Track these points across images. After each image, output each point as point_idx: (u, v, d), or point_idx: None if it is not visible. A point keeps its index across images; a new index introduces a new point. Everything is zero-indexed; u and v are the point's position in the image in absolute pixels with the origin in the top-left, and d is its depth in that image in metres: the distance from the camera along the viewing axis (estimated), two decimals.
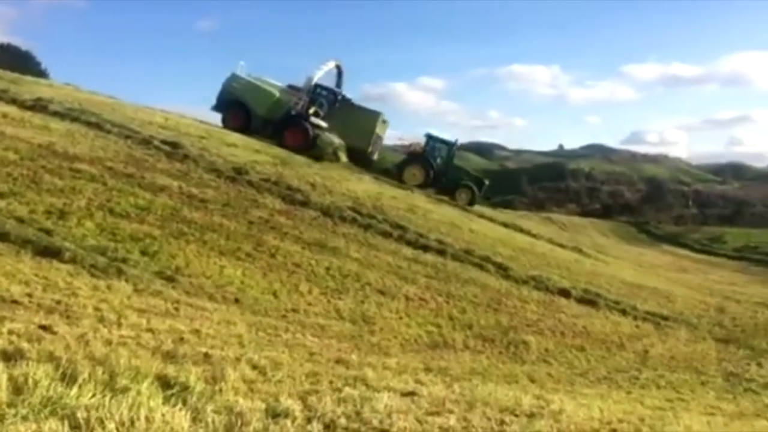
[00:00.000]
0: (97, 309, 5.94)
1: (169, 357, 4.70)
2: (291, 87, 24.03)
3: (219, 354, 5.09)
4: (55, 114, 15.61)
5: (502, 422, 4.53)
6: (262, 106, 22.82)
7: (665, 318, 13.99)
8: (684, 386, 9.47)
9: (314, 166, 19.16)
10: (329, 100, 24.62)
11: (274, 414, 3.64)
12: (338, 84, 25.74)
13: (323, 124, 23.30)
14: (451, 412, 4.55)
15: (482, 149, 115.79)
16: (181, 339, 5.49)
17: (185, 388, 3.68)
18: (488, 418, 4.59)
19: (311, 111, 23.09)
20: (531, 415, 4.92)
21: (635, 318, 13.47)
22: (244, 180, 14.30)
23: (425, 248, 13.75)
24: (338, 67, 25.63)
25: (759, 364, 11.39)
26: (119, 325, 5.53)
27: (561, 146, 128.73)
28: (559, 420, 4.92)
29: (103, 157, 12.91)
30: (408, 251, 13.27)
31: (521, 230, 23.77)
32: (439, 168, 26.88)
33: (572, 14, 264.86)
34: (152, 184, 12.09)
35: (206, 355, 4.93)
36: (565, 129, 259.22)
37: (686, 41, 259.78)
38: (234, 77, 23.53)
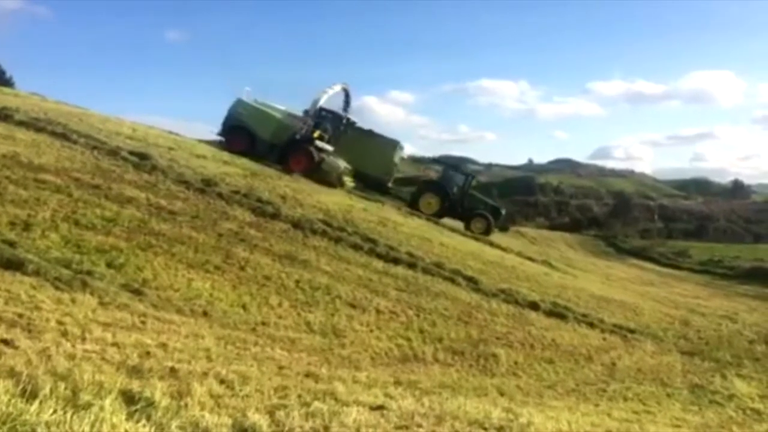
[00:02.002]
0: (60, 323, 5.82)
1: (135, 372, 4.62)
2: (305, 113, 23.91)
3: (186, 368, 5.02)
4: (21, 124, 15.32)
5: None
6: (266, 131, 22.73)
7: (632, 331, 14.16)
8: (650, 398, 9.58)
9: (284, 178, 19.08)
10: (334, 123, 24.57)
11: (241, 429, 3.60)
12: (346, 107, 25.67)
13: (328, 147, 23.30)
14: (420, 426, 4.55)
15: (454, 163, 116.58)
16: (148, 353, 5.40)
17: (150, 403, 3.61)
18: None
19: (316, 135, 23.00)
20: (500, 428, 4.94)
21: (603, 331, 13.61)
22: (214, 192, 14.18)
23: (396, 261, 13.76)
24: (345, 90, 25.57)
25: (723, 376, 11.58)
26: (83, 339, 5.42)
27: (530, 160, 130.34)
28: None
29: (69, 167, 12.70)
30: (379, 264, 13.26)
31: (491, 244, 23.91)
32: (455, 197, 26.83)
33: (539, 31, 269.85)
34: (119, 195, 11.92)
35: (173, 370, 4.85)
36: (534, 144, 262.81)
37: (649, 59, 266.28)
38: (239, 103, 23.44)
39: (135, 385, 3.96)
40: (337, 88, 25.23)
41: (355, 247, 13.74)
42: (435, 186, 27.21)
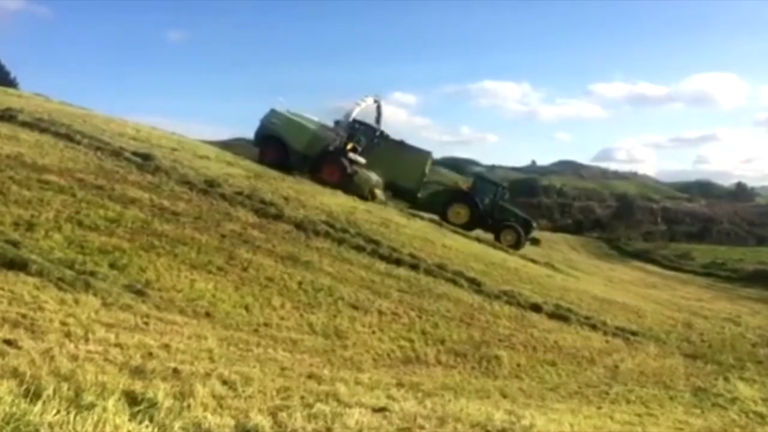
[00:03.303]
0: (63, 323, 5.83)
1: (137, 372, 4.63)
2: (337, 123, 23.94)
3: (188, 369, 5.03)
4: (25, 124, 15.38)
5: None
6: (300, 142, 22.58)
7: (635, 333, 14.14)
8: (653, 401, 9.56)
9: (287, 179, 19.10)
10: (367, 135, 24.59)
11: (244, 430, 3.61)
12: (377, 119, 25.73)
13: (361, 160, 23.29)
14: (422, 428, 4.55)
15: (457, 165, 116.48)
16: (150, 354, 5.40)
17: (153, 404, 3.62)
18: None
19: (349, 147, 23.00)
20: (502, 431, 4.94)
21: (605, 333, 13.59)
22: (217, 193, 14.20)
23: (398, 263, 13.75)
24: (377, 103, 25.67)
25: (726, 379, 11.55)
26: (86, 339, 5.43)
27: (533, 162, 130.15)
28: None
29: (72, 168, 12.73)
30: (381, 265, 13.26)
31: (494, 245, 23.91)
32: (486, 208, 26.70)
33: (540, 32, 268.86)
34: (123, 196, 11.94)
35: (175, 371, 4.86)
36: (537, 145, 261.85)
37: (651, 61, 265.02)
38: (273, 113, 23.37)
39: (138, 386, 3.97)
40: (370, 100, 25.37)
41: (358, 249, 13.75)
42: (465, 196, 27.00)
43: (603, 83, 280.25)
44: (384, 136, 25.57)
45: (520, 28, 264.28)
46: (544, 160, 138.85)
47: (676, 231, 76.73)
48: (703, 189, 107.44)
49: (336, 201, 17.94)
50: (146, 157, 15.01)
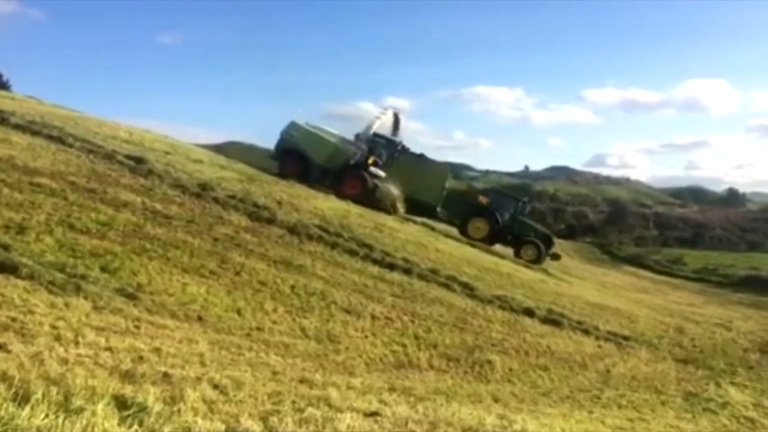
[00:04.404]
0: (53, 327, 5.80)
1: (128, 376, 4.61)
2: (357, 136, 23.91)
3: (179, 373, 5.00)
4: (17, 127, 15.30)
5: None
6: (320, 155, 22.53)
7: (627, 338, 14.17)
8: (645, 406, 9.57)
9: (280, 183, 19.08)
10: (388, 149, 24.58)
11: None
12: (395, 131, 25.72)
13: (381, 173, 23.22)
14: None
15: (451, 170, 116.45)
16: (141, 358, 5.38)
17: (143, 408, 3.60)
18: None
19: (370, 161, 22.96)
20: None
21: (598, 338, 13.62)
22: (210, 196, 14.16)
23: (392, 267, 13.74)
24: (396, 116, 25.70)
25: (717, 384, 11.59)
26: (76, 343, 5.41)
27: (527, 167, 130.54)
28: None
29: (64, 171, 12.68)
30: (374, 270, 13.25)
31: (487, 250, 23.93)
32: (506, 223, 26.55)
33: (532, 38, 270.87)
34: (115, 199, 11.90)
35: (166, 375, 4.84)
36: (530, 151, 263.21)
37: (643, 68, 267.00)
38: (293, 125, 23.31)
39: (128, 390, 3.95)
40: (389, 113, 25.44)
41: (351, 253, 13.73)
42: (485, 211, 26.76)
43: (595, 89, 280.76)
44: (405, 150, 25.56)
45: (513, 34, 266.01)
46: (537, 165, 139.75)
47: (668, 236, 76.94)
48: (695, 195, 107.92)
49: (329, 205, 17.93)
50: (139, 161, 14.97)
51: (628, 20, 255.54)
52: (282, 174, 21.40)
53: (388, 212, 21.66)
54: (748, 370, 13.29)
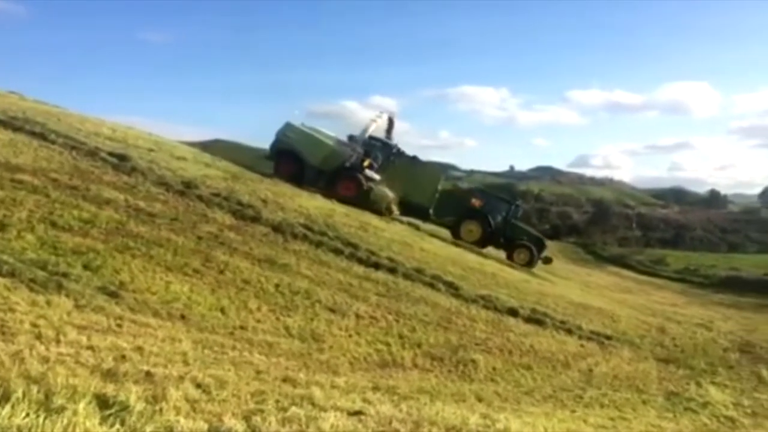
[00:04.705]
0: (34, 325, 5.74)
1: (109, 375, 4.57)
2: (351, 138, 23.88)
3: (162, 372, 4.97)
4: None
5: None
6: (315, 157, 22.38)
7: (609, 338, 14.29)
8: (626, 405, 9.66)
9: (265, 181, 19.01)
10: (384, 152, 24.59)
11: None
12: (388, 134, 25.74)
13: (376, 176, 23.23)
14: (397, 431, 4.55)
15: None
16: (123, 357, 5.34)
17: (124, 407, 3.58)
18: None
19: (365, 163, 22.93)
20: None
21: (580, 337, 13.71)
22: (194, 194, 14.08)
23: (376, 266, 13.74)
24: (390, 119, 25.74)
25: (698, 384, 11.73)
26: (57, 341, 5.35)
27: (512, 167, 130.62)
28: None
29: (46, 168, 12.55)
30: (359, 269, 13.24)
31: (471, 249, 24.00)
32: (498, 226, 26.59)
33: (518, 38, 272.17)
34: (97, 196, 11.79)
35: (148, 374, 4.81)
36: (515, 151, 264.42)
37: (627, 70, 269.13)
38: (288, 126, 23.11)
39: (109, 389, 3.92)
40: (385, 116, 25.52)
41: (336, 252, 13.72)
42: (477, 213, 26.80)
43: (580, 90, 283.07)
44: (400, 153, 25.61)
45: (499, 34, 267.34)
46: (522, 165, 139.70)
47: (651, 237, 77.65)
48: (677, 196, 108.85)
49: (314, 204, 17.89)
50: (122, 158, 14.84)
51: (613, 22, 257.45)
52: (277, 175, 21.31)
53: (383, 215, 21.68)
54: (728, 369, 13.45)
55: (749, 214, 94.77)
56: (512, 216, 27.53)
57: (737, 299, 33.46)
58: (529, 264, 25.56)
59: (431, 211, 25.90)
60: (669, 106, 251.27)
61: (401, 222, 22.89)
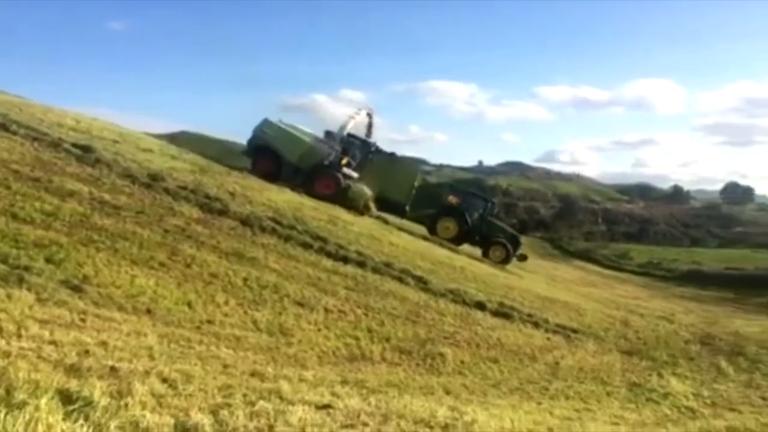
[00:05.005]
0: None
1: (73, 370, 4.49)
2: (328, 134, 23.66)
3: (127, 367, 4.90)
4: None
5: None
6: (293, 154, 22.12)
7: (575, 331, 14.51)
8: (591, 397, 9.84)
9: (233, 174, 18.83)
10: (362, 150, 24.46)
11: (184, 429, 3.55)
12: (368, 131, 25.61)
13: (354, 174, 23.09)
14: (365, 424, 4.57)
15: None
16: (87, 351, 5.25)
17: (88, 403, 3.52)
18: (402, 431, 4.63)
19: (343, 161, 22.76)
20: (445, 427, 5.00)
21: (547, 330, 13.90)
22: (160, 187, 13.87)
23: (345, 260, 13.73)
24: (369, 116, 25.57)
25: (660, 375, 11.99)
26: (19, 336, 5.24)
27: (480, 162, 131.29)
28: (471, 431, 5.01)
29: (7, 159, 12.24)
30: (328, 263, 13.21)
31: (440, 244, 24.14)
32: (475, 223, 26.63)
33: (487, 34, 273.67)
34: (60, 188, 11.54)
35: (113, 369, 4.73)
36: (484, 146, 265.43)
37: (594, 66, 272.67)
38: (266, 123, 22.84)
39: (73, 384, 3.86)
40: (364, 113, 25.35)
41: (305, 246, 13.66)
42: (454, 211, 26.94)
43: (548, 86, 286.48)
44: (378, 151, 25.56)
45: (467, 29, 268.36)
46: (491, 160, 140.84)
47: (616, 231, 78.92)
48: (642, 191, 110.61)
49: (283, 197, 17.79)
50: (86, 149, 14.54)
51: (580, 19, 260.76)
52: (254, 172, 21.10)
53: (361, 213, 21.66)
54: (689, 361, 13.78)
55: (711, 210, 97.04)
56: (488, 213, 27.72)
57: (698, 292, 34.33)
58: (504, 261, 25.76)
59: (407, 207, 25.99)
60: (634, 102, 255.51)
61: (370, 216, 22.89)
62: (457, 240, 25.94)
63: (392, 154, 26.15)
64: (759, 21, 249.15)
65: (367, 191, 22.99)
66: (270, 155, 22.13)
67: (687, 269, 45.14)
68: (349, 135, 24.22)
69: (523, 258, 28.15)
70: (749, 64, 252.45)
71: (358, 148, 24.40)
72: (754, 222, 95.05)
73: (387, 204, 24.71)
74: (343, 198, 21.56)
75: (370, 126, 25.80)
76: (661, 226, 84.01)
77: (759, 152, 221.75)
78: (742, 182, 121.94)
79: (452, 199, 27.84)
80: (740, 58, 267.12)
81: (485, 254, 25.97)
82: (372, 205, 23.27)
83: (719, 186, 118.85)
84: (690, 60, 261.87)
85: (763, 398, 11.12)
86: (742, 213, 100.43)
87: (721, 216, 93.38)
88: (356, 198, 22.18)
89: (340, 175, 22.15)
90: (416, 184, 26.77)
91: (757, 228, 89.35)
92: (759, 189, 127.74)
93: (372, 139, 25.64)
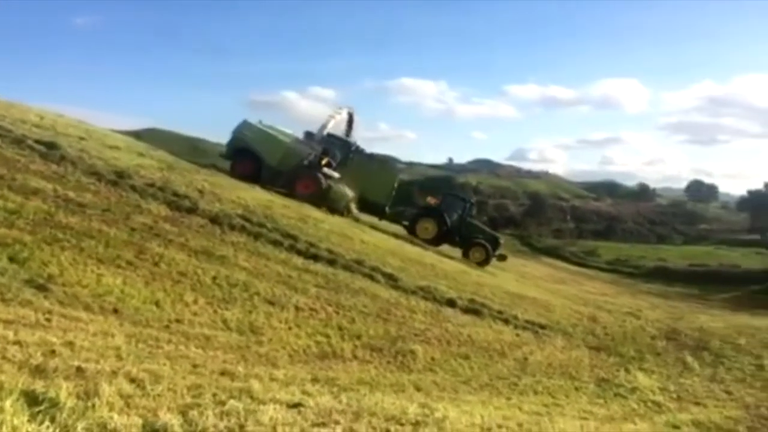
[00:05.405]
0: None
1: (38, 371, 4.41)
2: (308, 134, 23.40)
3: (94, 367, 4.82)
4: None
5: (388, 431, 4.58)
6: (273, 156, 21.88)
7: (543, 327, 14.68)
8: (559, 392, 9.96)
9: (202, 172, 18.64)
10: (343, 150, 24.23)
11: (152, 430, 3.51)
12: (348, 131, 25.49)
13: (335, 174, 22.84)
14: (337, 422, 4.56)
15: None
16: (52, 352, 5.15)
17: (54, 404, 3.46)
18: (374, 428, 4.64)
19: (324, 162, 22.52)
20: (416, 424, 5.01)
21: (516, 327, 14.04)
22: (127, 184, 13.66)
23: (316, 258, 13.68)
24: (350, 115, 25.43)
25: (627, 370, 12.19)
26: None
27: (450, 160, 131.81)
28: (442, 427, 5.04)
29: None
30: (298, 261, 13.15)
31: (411, 241, 24.20)
32: (454, 224, 26.52)
33: (456, 32, 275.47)
34: (24, 186, 11.30)
35: (79, 369, 4.65)
36: (454, 143, 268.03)
37: (561, 65, 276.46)
38: (245, 124, 22.57)
39: (38, 386, 3.78)
40: (344, 113, 25.25)
41: (275, 244, 13.58)
42: (433, 212, 26.91)
43: (517, 85, 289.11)
44: (359, 151, 25.43)
45: (437, 27, 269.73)
46: (461, 158, 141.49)
47: (584, 229, 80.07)
48: (609, 189, 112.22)
49: (253, 195, 17.65)
50: (51, 146, 14.25)
51: (549, 19, 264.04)
52: (234, 174, 20.87)
53: (342, 214, 21.57)
54: (655, 356, 14.04)
55: (676, 207, 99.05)
56: (467, 214, 27.75)
57: (665, 289, 35.03)
58: (484, 262, 25.72)
59: (387, 209, 25.99)
60: (601, 101, 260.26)
61: (351, 218, 22.84)
62: (436, 241, 25.96)
63: (372, 155, 26.15)
64: (722, 22, 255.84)
65: (349, 192, 22.90)
66: (250, 157, 21.93)
67: (653, 266, 46.05)
68: (329, 135, 24.11)
69: (502, 258, 28.18)
70: (712, 64, 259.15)
71: (339, 148, 24.28)
72: (717, 219, 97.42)
73: (367, 205, 24.70)
74: (324, 199, 21.45)
75: (350, 126, 25.74)
76: (628, 224, 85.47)
77: (722, 151, 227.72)
78: (707, 180, 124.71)
79: (431, 200, 27.92)
80: (703, 59, 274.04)
81: (465, 255, 25.91)
82: (353, 207, 23.21)
83: (684, 184, 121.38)
84: (654, 60, 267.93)
85: (727, 392, 11.39)
86: (707, 210, 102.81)
87: (686, 213, 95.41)
88: (338, 199, 22.10)
89: (320, 176, 22.02)
90: (396, 185, 26.78)
91: (720, 225, 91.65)
92: (722, 187, 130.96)
93: (353, 139, 25.60)
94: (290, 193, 20.97)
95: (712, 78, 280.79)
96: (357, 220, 22.98)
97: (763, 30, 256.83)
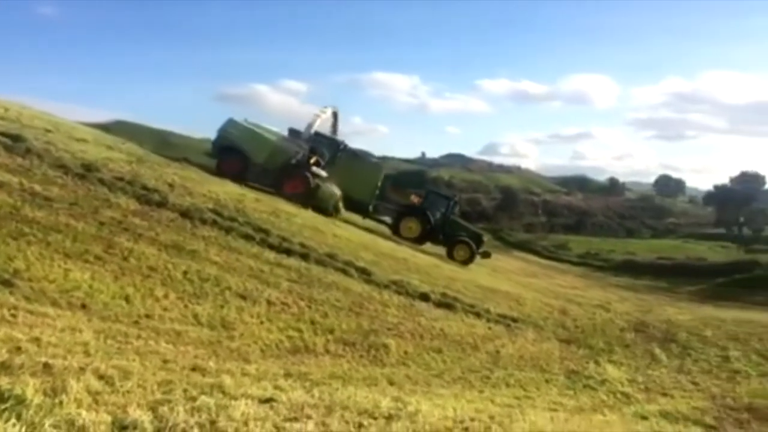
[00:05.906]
0: None
1: (4, 368, 4.31)
2: (292, 132, 23.20)
3: (61, 364, 4.73)
4: None
5: (360, 425, 4.59)
6: (260, 154, 21.64)
7: (515, 320, 14.81)
8: (531, 384, 10.07)
9: (172, 165, 18.41)
10: (330, 149, 24.08)
11: (122, 426, 3.46)
12: (334, 129, 25.39)
13: (323, 173, 22.67)
14: (309, 417, 4.55)
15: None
16: (18, 348, 5.04)
17: (21, 401, 3.39)
18: (346, 422, 4.63)
19: (312, 161, 22.29)
20: (389, 417, 5.02)
21: (488, 320, 14.15)
22: (95, 178, 13.43)
23: (288, 252, 13.61)
24: (335, 114, 25.37)
25: (596, 362, 12.37)
26: None
27: (423, 154, 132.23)
28: (415, 421, 5.05)
29: None
30: (271, 255, 13.07)
31: (384, 235, 24.22)
32: (437, 222, 26.43)
33: (428, 27, 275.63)
34: None
35: (46, 366, 4.56)
36: (427, 138, 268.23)
37: (533, 60, 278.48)
38: (231, 122, 22.25)
39: (4, 382, 3.71)
40: (329, 112, 25.14)
41: (247, 238, 13.48)
42: (417, 210, 26.89)
43: (489, 79, 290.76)
44: (347, 149, 25.42)
45: (410, 21, 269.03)
46: (434, 152, 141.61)
47: (555, 223, 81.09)
48: (579, 183, 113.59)
49: (224, 189, 17.49)
50: (16, 138, 13.94)
51: (521, 14, 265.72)
52: (219, 173, 20.62)
53: (330, 213, 21.47)
54: (624, 348, 14.27)
55: (645, 202, 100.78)
56: (451, 212, 27.79)
57: (633, 282, 35.61)
58: (469, 260, 25.77)
59: (371, 207, 25.98)
60: (572, 96, 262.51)
61: (339, 218, 22.76)
62: (420, 239, 26.00)
63: (356, 153, 26.14)
64: (689, 19, 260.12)
65: (337, 192, 22.83)
66: (236, 156, 21.72)
67: (622, 259, 46.78)
68: (317, 133, 24.02)
69: (486, 255, 28.28)
70: (679, 61, 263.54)
71: (327, 147, 24.21)
72: (684, 213, 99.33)
73: (350, 203, 24.67)
74: (312, 198, 21.33)
75: (335, 123, 25.69)
76: (598, 218, 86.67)
77: (689, 146, 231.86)
78: (674, 175, 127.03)
79: (414, 198, 27.96)
80: (671, 55, 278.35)
81: (449, 254, 25.90)
82: (341, 206, 23.18)
83: (652, 178, 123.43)
84: (624, 56, 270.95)
85: (694, 383, 11.62)
86: (674, 205, 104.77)
87: (654, 207, 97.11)
88: (326, 198, 22.02)
89: (309, 175, 21.90)
90: (379, 183, 26.78)
91: (687, 219, 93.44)
92: (690, 182, 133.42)
93: (339, 138, 25.59)
94: (278, 192, 20.83)
95: (679, 74, 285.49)
96: (345, 221, 22.96)
97: (729, 27, 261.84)
